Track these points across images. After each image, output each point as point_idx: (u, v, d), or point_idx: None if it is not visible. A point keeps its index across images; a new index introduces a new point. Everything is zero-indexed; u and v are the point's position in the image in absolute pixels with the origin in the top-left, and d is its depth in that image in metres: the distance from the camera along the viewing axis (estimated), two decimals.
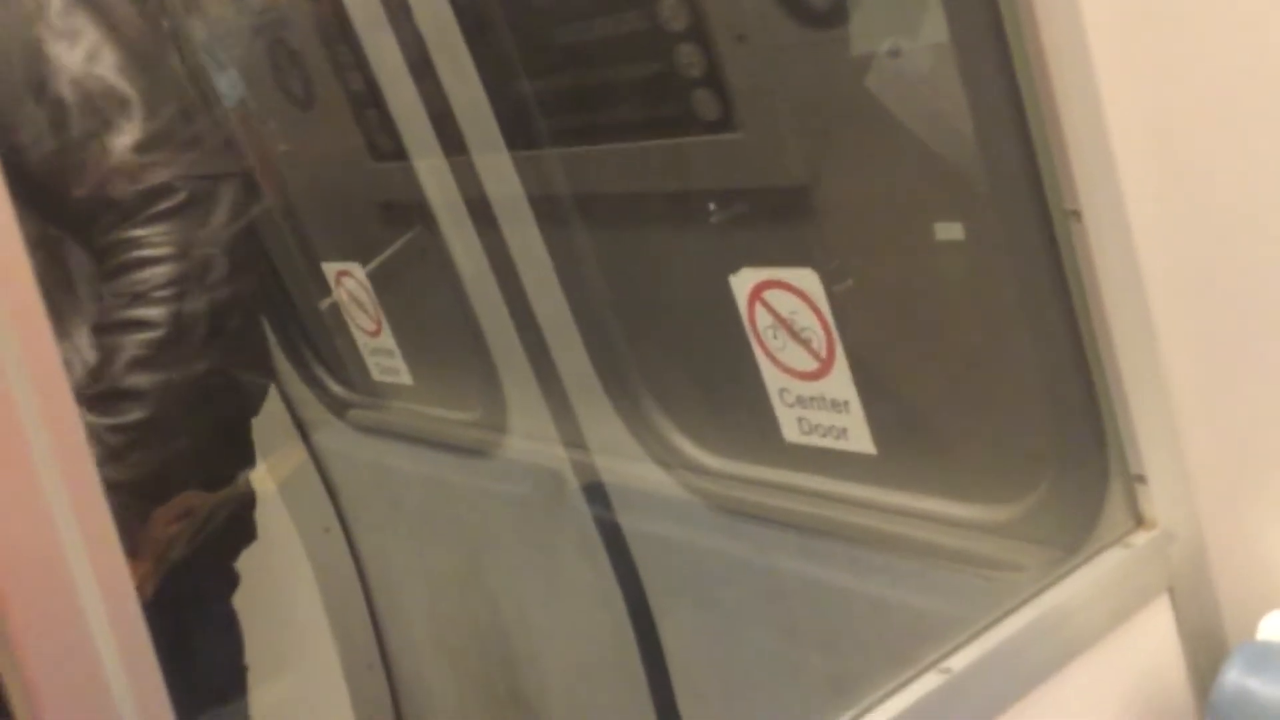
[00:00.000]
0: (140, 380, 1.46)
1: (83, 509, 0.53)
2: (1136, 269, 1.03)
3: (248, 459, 1.88)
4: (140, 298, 1.46)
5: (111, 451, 1.43)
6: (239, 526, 1.89)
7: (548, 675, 2.20)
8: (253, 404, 1.83)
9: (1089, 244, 1.00)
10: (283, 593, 2.46)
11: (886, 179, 1.26)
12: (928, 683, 0.92)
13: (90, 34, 1.48)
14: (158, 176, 1.48)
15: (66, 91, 1.47)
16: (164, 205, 1.48)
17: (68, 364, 1.48)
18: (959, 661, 0.94)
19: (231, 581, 1.90)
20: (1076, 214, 0.99)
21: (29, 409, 0.51)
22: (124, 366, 1.46)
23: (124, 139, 1.48)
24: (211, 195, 1.51)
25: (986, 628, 0.99)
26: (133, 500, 1.47)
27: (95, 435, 1.40)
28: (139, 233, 1.47)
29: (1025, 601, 1.03)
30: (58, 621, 0.52)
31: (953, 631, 1.01)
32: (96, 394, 1.44)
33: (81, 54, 1.47)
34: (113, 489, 1.37)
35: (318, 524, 2.51)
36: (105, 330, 1.48)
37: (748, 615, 1.76)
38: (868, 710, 0.90)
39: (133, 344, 1.46)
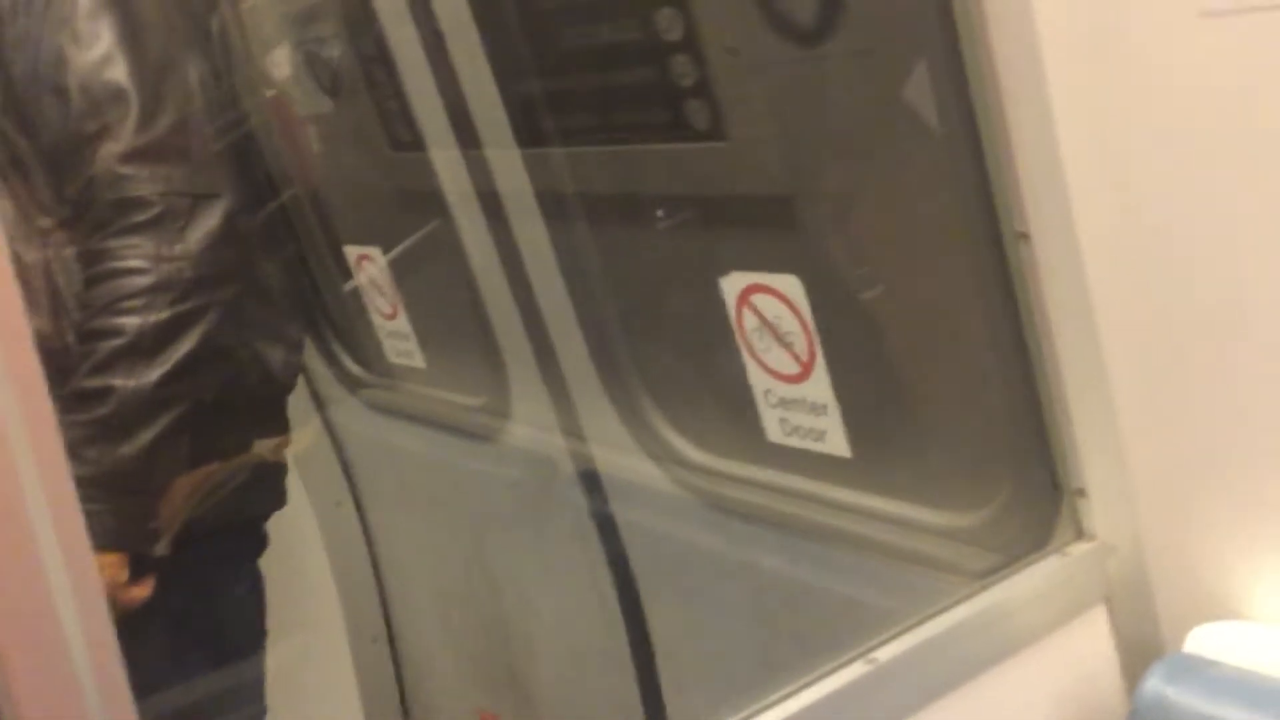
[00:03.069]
0: (100, 382, 1.52)
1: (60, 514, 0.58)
2: (1084, 289, 1.07)
3: (277, 430, 1.96)
4: (107, 308, 1.53)
5: (69, 447, 1.48)
6: (271, 491, 1.98)
7: (541, 656, 2.26)
8: (281, 382, 1.89)
9: (1036, 264, 1.04)
10: (294, 562, 2.53)
11: (864, 191, 1.31)
12: (853, 671, 0.97)
13: (107, 38, 1.54)
14: (135, 190, 1.54)
15: (74, 89, 1.54)
16: (137, 219, 1.53)
17: None
18: (886, 653, 0.99)
19: (261, 542, 1.99)
20: (1025, 236, 1.04)
21: (10, 415, 0.57)
22: (89, 370, 1.52)
23: (113, 146, 1.53)
24: (190, 212, 1.55)
25: (917, 623, 1.04)
26: (98, 492, 1.51)
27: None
28: (112, 244, 1.53)
29: (959, 600, 1.08)
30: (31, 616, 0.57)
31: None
32: (67, 394, 1.50)
33: (96, 56, 1.53)
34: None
35: (330, 498, 2.58)
36: (81, 337, 1.55)
37: (730, 608, 1.81)
38: (790, 695, 0.95)
39: (101, 350, 1.52)
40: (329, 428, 2.55)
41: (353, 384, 2.43)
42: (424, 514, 2.43)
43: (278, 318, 1.85)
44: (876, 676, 0.98)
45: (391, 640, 2.65)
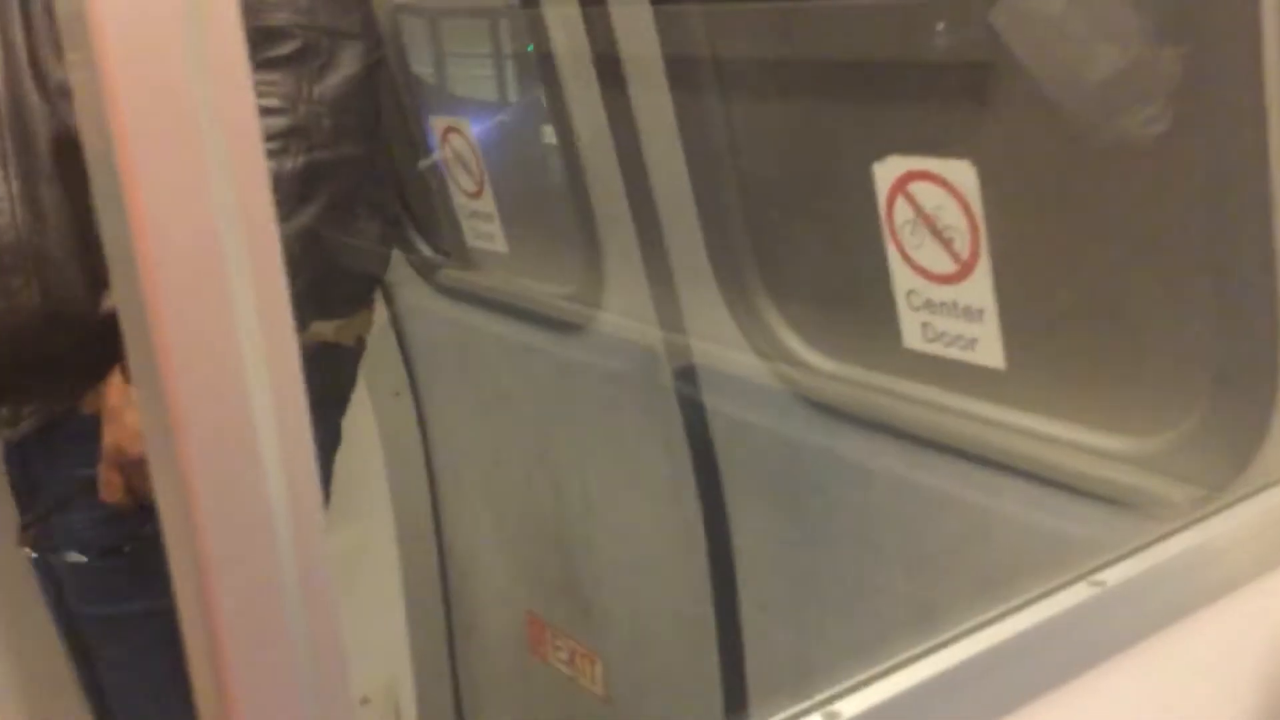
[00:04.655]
0: None
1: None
2: None
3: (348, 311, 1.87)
4: None
5: None
6: (348, 369, 1.92)
7: (604, 566, 2.16)
8: (378, 257, 1.80)
9: None
10: (348, 452, 2.44)
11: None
12: (1078, 593, 0.85)
13: None
14: (274, 18, 1.41)
15: None
16: (276, 52, 1.41)
17: None
18: (1113, 576, 0.87)
19: (342, 404, 1.96)
20: None
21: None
22: None
23: None
24: (330, 51, 1.44)
25: (1141, 548, 0.91)
26: None
27: None
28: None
29: (1181, 528, 0.95)
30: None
31: (1068, 557, 0.94)
32: None
33: None
34: None
35: (388, 387, 2.47)
36: None
37: (831, 523, 1.69)
38: (1013, 612, 0.83)
39: None
40: (394, 315, 2.42)
41: (425, 268, 2.30)
42: (487, 408, 2.31)
43: (380, 190, 1.74)
44: (1102, 601, 0.85)
45: (440, 538, 2.55)
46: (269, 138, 1.38)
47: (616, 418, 1.96)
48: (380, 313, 2.46)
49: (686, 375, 1.82)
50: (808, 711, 0.75)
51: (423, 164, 2.25)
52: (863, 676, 0.77)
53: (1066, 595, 0.85)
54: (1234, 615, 0.97)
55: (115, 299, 0.47)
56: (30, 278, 1.36)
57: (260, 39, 1.40)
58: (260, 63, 1.39)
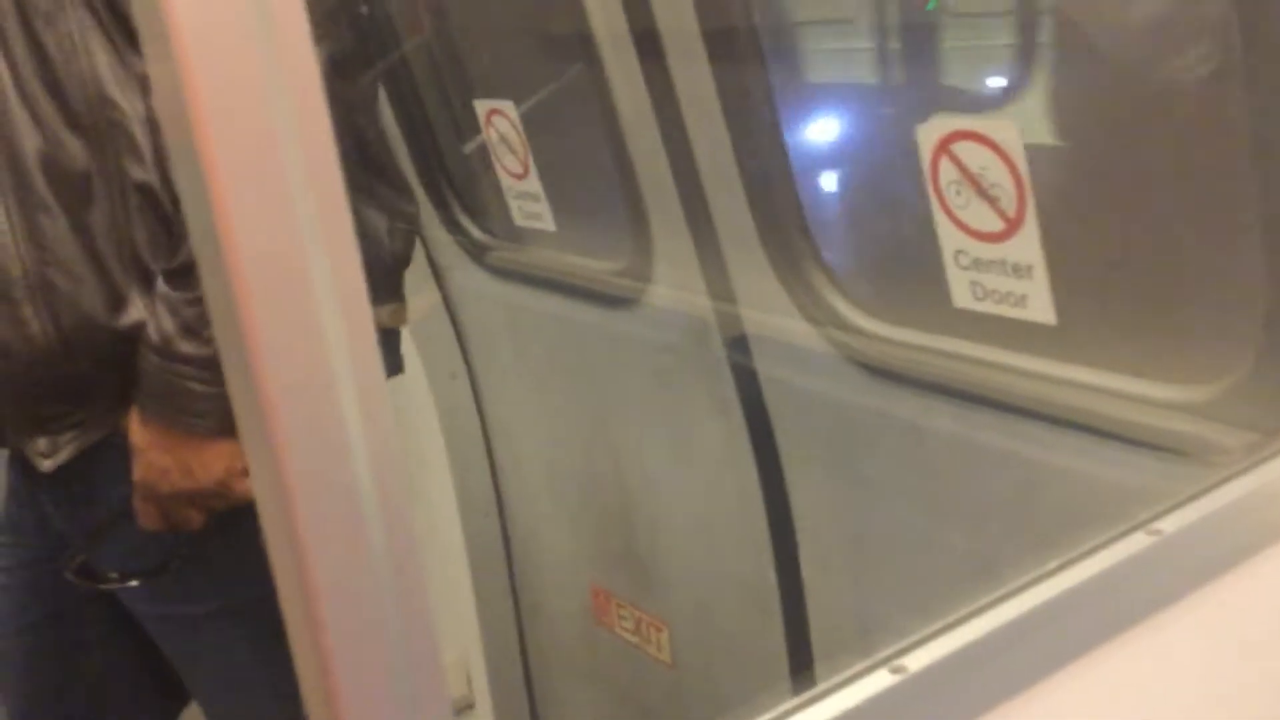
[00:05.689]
0: None
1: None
2: None
3: (390, 298, 1.86)
4: None
5: (188, 327, 1.34)
6: (386, 357, 1.89)
7: (665, 535, 2.19)
8: (391, 251, 1.77)
9: None
10: (409, 435, 2.48)
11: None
12: (1136, 542, 0.86)
13: None
14: None
15: None
16: None
17: None
18: (1170, 524, 0.88)
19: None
20: None
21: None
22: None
23: None
24: None
25: (1198, 495, 0.92)
26: (218, 375, 1.39)
27: (173, 309, 1.33)
28: None
29: (1237, 474, 0.96)
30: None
31: (1125, 508, 0.95)
32: (176, 266, 1.35)
33: None
34: (190, 362, 1.31)
35: (445, 369, 2.51)
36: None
37: (886, 482, 1.71)
38: (1071, 564, 0.84)
39: None
40: (446, 297, 2.46)
41: (475, 250, 2.33)
42: (542, 385, 2.34)
43: (381, 181, 1.72)
44: (1159, 549, 0.86)
45: (503, 515, 2.59)
46: None
47: (670, 389, 1.99)
48: (433, 295, 2.50)
49: (738, 344, 1.84)
50: (875, 667, 0.77)
51: (468, 147, 2.28)
52: (927, 631, 0.79)
53: (1124, 545, 0.86)
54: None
55: (205, 294, 0.49)
56: (40, 307, 1.35)
57: None
58: None
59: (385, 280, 1.78)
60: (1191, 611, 0.87)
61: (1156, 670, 0.85)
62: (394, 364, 1.89)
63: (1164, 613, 0.86)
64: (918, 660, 0.77)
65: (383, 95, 2.32)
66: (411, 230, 1.73)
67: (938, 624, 0.79)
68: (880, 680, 0.76)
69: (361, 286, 0.49)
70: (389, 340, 1.87)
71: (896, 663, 0.77)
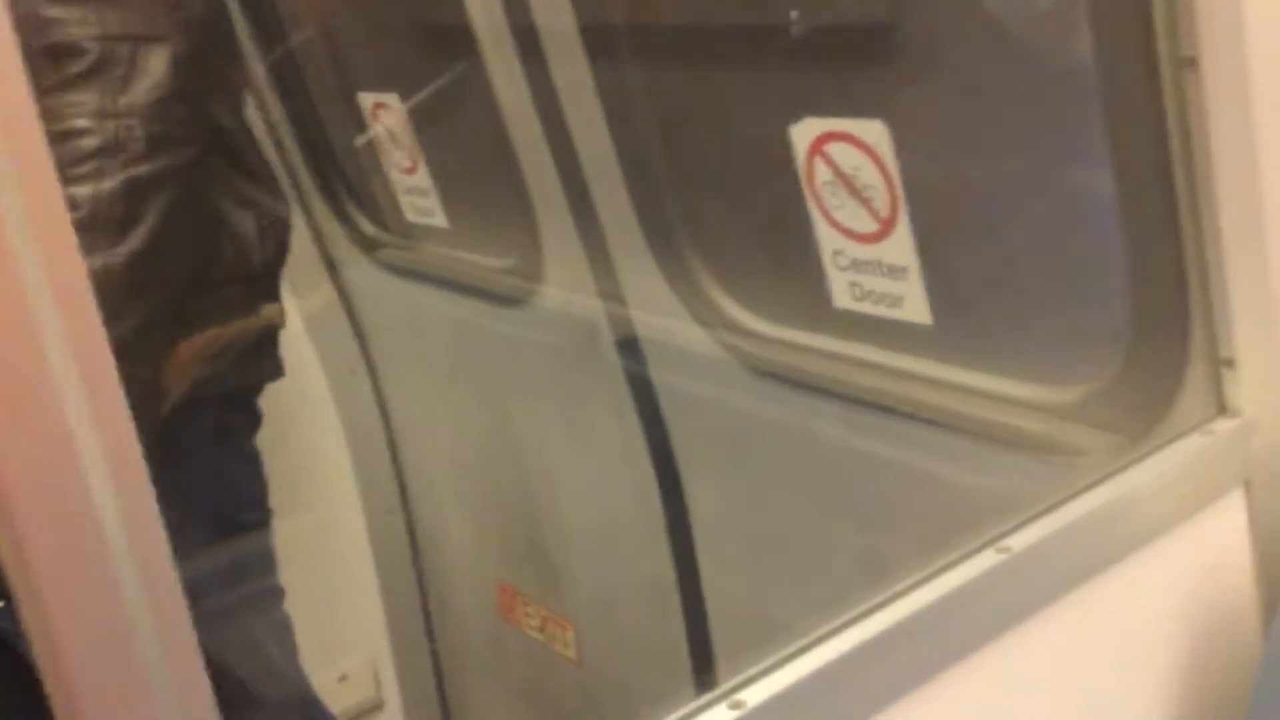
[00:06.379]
0: None
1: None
2: (1251, 129, 0.92)
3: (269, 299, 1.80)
4: (64, 176, 1.34)
5: None
6: (262, 361, 1.82)
7: (568, 531, 2.17)
8: (263, 253, 1.72)
9: (1204, 96, 0.89)
10: (307, 433, 2.43)
11: (979, 17, 1.14)
12: (984, 560, 0.86)
13: None
14: (64, 34, 1.32)
15: None
16: (72, 69, 1.32)
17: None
18: (1018, 541, 0.87)
19: (255, 419, 1.85)
20: (1192, 61, 0.89)
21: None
22: None
23: None
24: (130, 60, 1.35)
25: (1049, 509, 0.92)
26: None
27: None
28: (52, 102, 1.31)
29: (1092, 485, 0.96)
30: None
31: (1005, 512, 0.95)
32: None
33: None
34: None
35: (343, 365, 2.46)
36: None
37: (779, 482, 1.70)
38: (919, 585, 0.83)
39: None
40: (342, 292, 2.41)
41: (367, 245, 2.28)
42: (443, 382, 2.31)
43: (250, 181, 1.66)
44: (1009, 567, 0.86)
45: (408, 513, 2.56)
46: (80, 160, 1.30)
47: (566, 390, 1.96)
48: (328, 291, 2.45)
49: (630, 346, 1.81)
50: (714, 702, 0.76)
51: (358, 141, 2.22)
52: (766, 663, 0.77)
53: (973, 564, 0.86)
54: (1150, 568, 0.99)
55: None
56: None
57: (52, 58, 1.32)
58: (57, 84, 1.31)
59: (259, 283, 1.73)
60: (1039, 629, 0.87)
61: (1003, 692, 0.85)
62: (273, 367, 1.82)
63: (1012, 632, 0.86)
64: (757, 694, 0.75)
65: (272, 87, 2.26)
66: (284, 231, 1.68)
67: (777, 655, 0.77)
68: (719, 716, 0.75)
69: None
70: (267, 343, 1.81)
71: (735, 697, 0.75)
